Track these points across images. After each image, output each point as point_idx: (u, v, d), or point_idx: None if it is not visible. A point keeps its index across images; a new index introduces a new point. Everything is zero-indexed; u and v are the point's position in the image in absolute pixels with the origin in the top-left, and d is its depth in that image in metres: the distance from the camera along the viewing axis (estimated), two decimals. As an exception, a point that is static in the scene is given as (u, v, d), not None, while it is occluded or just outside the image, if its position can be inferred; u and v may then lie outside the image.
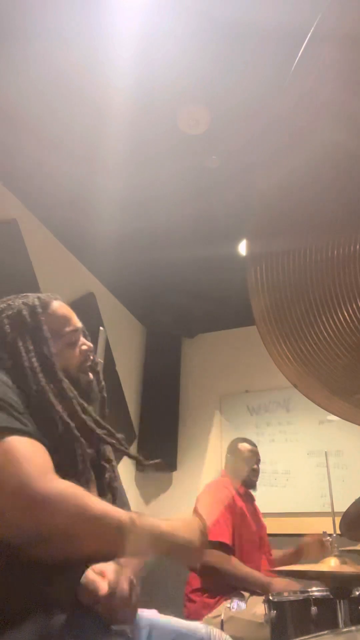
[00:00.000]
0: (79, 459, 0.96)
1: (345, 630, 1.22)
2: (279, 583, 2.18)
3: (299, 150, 0.89)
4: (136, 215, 3.14)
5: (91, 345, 1.15)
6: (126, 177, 2.83)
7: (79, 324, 1.16)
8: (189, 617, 2.35)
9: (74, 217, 3.13)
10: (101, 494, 1.06)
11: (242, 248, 3.24)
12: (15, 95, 2.37)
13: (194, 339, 4.58)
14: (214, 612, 2.24)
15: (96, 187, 2.89)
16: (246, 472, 2.69)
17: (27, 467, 0.78)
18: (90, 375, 1.12)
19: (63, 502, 0.77)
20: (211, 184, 2.93)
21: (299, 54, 0.76)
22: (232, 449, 2.81)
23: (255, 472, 2.70)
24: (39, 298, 1.14)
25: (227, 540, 2.30)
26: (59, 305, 1.15)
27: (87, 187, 2.89)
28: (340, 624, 1.52)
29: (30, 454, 0.81)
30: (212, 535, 2.30)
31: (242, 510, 2.52)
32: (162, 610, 1.11)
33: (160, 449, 3.95)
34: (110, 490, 1.08)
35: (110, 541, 0.82)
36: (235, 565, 2.28)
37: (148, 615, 1.05)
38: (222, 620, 2.17)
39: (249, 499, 2.69)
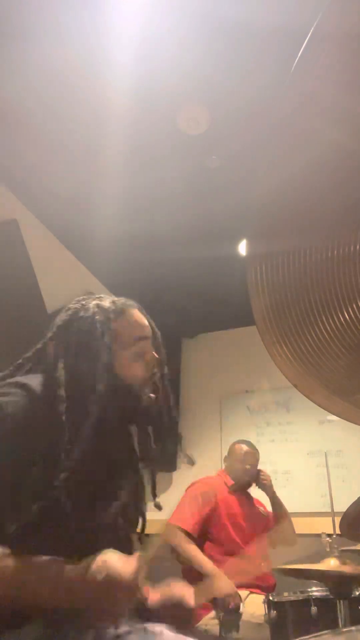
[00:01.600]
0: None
1: (345, 630, 1.21)
2: (221, 581, 2.20)
3: (299, 150, 0.89)
4: (136, 215, 3.14)
5: (161, 358, 1.07)
6: (126, 177, 2.83)
7: (151, 331, 1.08)
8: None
9: (74, 217, 3.13)
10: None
11: (242, 248, 3.24)
12: (15, 96, 2.37)
13: (194, 339, 4.58)
14: (213, 613, 2.24)
15: (96, 187, 2.89)
16: (240, 471, 2.70)
17: None
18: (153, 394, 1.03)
19: None
20: (211, 184, 2.93)
21: (299, 54, 0.76)
22: (230, 449, 2.84)
23: (247, 472, 2.70)
24: (113, 302, 1.07)
25: (185, 526, 2.38)
26: (134, 312, 1.08)
27: (87, 187, 2.89)
28: (340, 624, 1.52)
29: None
30: (173, 519, 2.43)
31: (230, 507, 2.54)
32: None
33: (160, 448, 3.94)
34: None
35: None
36: (185, 546, 2.34)
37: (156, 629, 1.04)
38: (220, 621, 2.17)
39: (244, 498, 2.70)
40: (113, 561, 0.79)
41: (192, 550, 2.35)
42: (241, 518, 2.57)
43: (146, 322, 1.09)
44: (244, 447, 2.77)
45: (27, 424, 0.86)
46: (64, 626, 0.81)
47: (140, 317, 1.08)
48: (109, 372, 0.95)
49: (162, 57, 2.19)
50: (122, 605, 0.80)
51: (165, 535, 2.38)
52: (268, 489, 2.74)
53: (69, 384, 0.93)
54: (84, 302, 1.06)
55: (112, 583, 0.77)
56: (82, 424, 0.90)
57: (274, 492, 2.75)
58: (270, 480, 2.76)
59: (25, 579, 0.78)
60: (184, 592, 1.05)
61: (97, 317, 1.01)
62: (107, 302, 1.06)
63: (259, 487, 2.76)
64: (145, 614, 1.02)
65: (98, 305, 1.04)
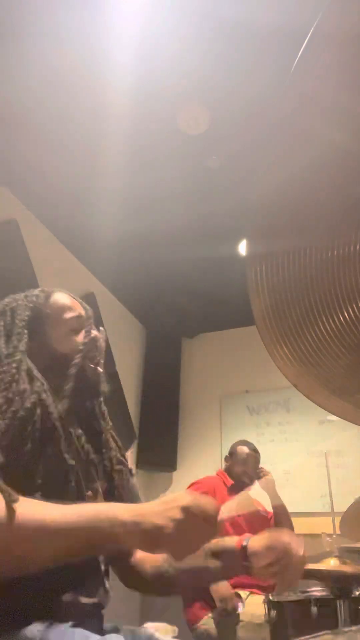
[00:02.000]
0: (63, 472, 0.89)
1: (345, 630, 1.21)
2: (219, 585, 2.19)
3: (299, 150, 0.89)
4: (136, 215, 3.14)
5: (99, 334, 1.11)
6: (126, 177, 2.83)
7: (83, 312, 1.13)
8: (187, 619, 2.35)
9: (74, 217, 3.13)
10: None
11: (242, 248, 3.24)
12: (15, 96, 2.37)
13: (194, 339, 4.58)
14: (212, 614, 2.24)
15: (96, 187, 2.89)
16: (240, 473, 2.70)
17: None
18: (99, 367, 1.07)
19: None
20: (211, 183, 2.93)
21: (299, 54, 0.75)
22: (231, 450, 2.83)
23: (248, 474, 2.71)
24: (42, 290, 1.16)
25: None
26: (60, 295, 1.15)
27: (87, 187, 2.89)
28: (340, 624, 1.52)
29: None
30: None
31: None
32: (160, 611, 1.11)
33: (160, 448, 3.95)
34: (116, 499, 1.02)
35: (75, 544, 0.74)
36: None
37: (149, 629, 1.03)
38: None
39: None
40: (191, 497, 0.78)
41: None
42: (240, 519, 2.56)
43: (74, 301, 1.15)
44: (246, 450, 2.77)
45: None
46: (65, 626, 0.81)
47: (66, 298, 1.15)
48: (43, 347, 1.02)
49: (162, 57, 2.19)
50: (201, 542, 0.78)
51: None
52: (270, 487, 2.74)
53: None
54: (14, 296, 1.15)
55: (193, 516, 0.74)
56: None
57: (275, 493, 2.76)
58: (272, 479, 2.76)
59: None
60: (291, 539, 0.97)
61: (24, 302, 1.10)
62: (36, 291, 1.15)
63: (261, 486, 2.76)
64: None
65: (26, 296, 1.13)
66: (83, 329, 1.10)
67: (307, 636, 0.83)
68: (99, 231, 3.19)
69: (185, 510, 0.74)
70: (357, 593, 1.65)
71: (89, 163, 2.73)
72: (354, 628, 1.05)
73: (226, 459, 2.86)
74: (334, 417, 1.15)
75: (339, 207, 0.95)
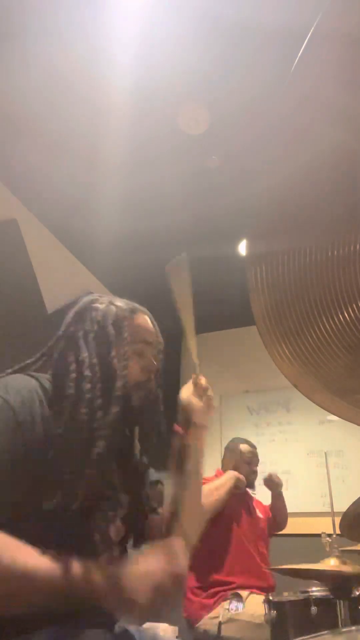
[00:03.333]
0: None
1: (345, 630, 1.21)
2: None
3: (299, 150, 0.89)
4: (136, 215, 3.13)
5: (158, 367, 1.08)
6: (126, 177, 2.83)
7: (156, 340, 1.11)
8: (187, 617, 2.35)
9: (74, 217, 3.13)
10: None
11: (242, 248, 3.24)
12: (15, 96, 2.37)
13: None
14: (212, 613, 2.24)
15: (96, 187, 2.89)
16: (246, 472, 2.69)
17: None
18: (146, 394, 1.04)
19: None
20: (211, 183, 2.93)
21: (299, 54, 0.76)
22: (232, 448, 2.81)
23: (254, 474, 2.71)
24: (127, 303, 1.12)
25: None
26: (144, 318, 1.12)
27: (87, 187, 2.89)
28: (340, 624, 1.52)
29: None
30: None
31: (231, 507, 2.54)
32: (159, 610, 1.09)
33: (160, 449, 3.95)
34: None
35: (47, 596, 0.74)
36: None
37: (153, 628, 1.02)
38: (220, 622, 2.18)
39: (244, 498, 2.70)
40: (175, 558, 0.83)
41: (207, 487, 2.38)
42: (242, 519, 2.56)
43: (153, 329, 1.13)
44: (249, 448, 2.76)
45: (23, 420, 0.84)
46: (74, 632, 0.80)
47: (148, 321, 1.13)
48: (106, 364, 0.97)
49: (162, 57, 2.19)
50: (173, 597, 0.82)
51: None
52: (277, 489, 2.77)
53: (80, 377, 0.93)
54: (97, 297, 1.09)
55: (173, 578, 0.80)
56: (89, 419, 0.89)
57: (280, 492, 2.78)
58: (281, 481, 2.80)
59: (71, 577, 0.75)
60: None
61: (109, 310, 1.05)
62: (119, 302, 1.11)
63: (266, 486, 2.77)
64: None
65: (111, 302, 1.08)
66: (149, 359, 1.07)
67: (307, 636, 0.83)
68: (99, 231, 3.19)
69: (157, 586, 0.78)
70: (357, 593, 1.65)
71: (89, 163, 2.73)
72: (354, 628, 1.05)
73: (226, 458, 2.83)
74: (334, 417, 1.15)
75: (339, 207, 0.95)
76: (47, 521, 0.81)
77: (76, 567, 0.77)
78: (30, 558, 0.75)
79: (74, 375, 0.92)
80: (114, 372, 0.96)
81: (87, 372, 0.93)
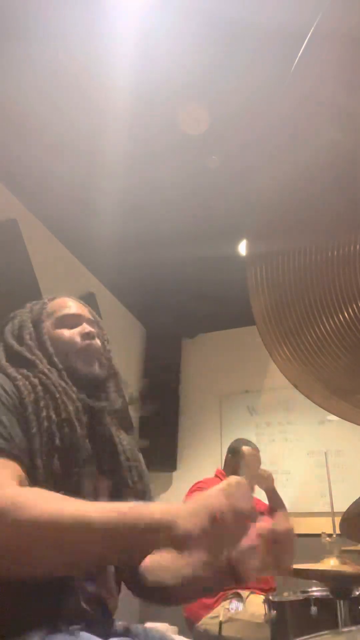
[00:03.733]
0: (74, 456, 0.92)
1: (345, 630, 1.21)
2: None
3: (299, 150, 0.89)
4: (136, 215, 3.14)
5: (93, 330, 1.13)
6: (126, 177, 2.83)
7: (80, 311, 1.16)
8: (187, 618, 2.35)
9: (74, 217, 3.13)
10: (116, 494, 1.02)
11: (242, 248, 3.24)
12: (15, 96, 2.37)
13: (194, 339, 4.57)
14: (213, 613, 2.24)
15: (96, 187, 2.89)
16: (248, 474, 2.69)
17: None
18: (93, 363, 1.09)
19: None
20: (211, 184, 2.93)
21: (299, 54, 0.75)
22: (235, 450, 2.80)
23: (253, 476, 2.71)
24: (46, 298, 1.20)
25: None
26: (60, 298, 1.19)
27: (87, 187, 2.89)
28: (340, 624, 1.52)
29: None
30: None
31: None
32: (159, 610, 1.10)
33: (160, 448, 3.95)
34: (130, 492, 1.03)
35: (105, 542, 0.73)
36: None
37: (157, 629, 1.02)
38: (220, 622, 2.18)
39: None
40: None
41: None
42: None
43: (75, 303, 1.19)
44: (251, 450, 2.76)
45: None
46: (65, 632, 0.80)
47: (67, 299, 1.19)
48: (43, 345, 1.06)
49: (162, 57, 2.19)
50: (240, 532, 0.77)
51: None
52: (268, 485, 2.75)
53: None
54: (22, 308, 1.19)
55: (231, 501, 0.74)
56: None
57: (273, 488, 2.76)
58: (271, 476, 2.76)
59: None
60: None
61: (29, 311, 1.16)
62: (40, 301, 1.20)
63: (259, 486, 2.77)
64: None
65: (33, 303, 1.19)
66: (79, 327, 1.12)
67: (307, 636, 0.83)
68: (99, 231, 3.19)
69: (212, 516, 0.73)
70: (357, 593, 1.65)
71: (90, 163, 2.73)
72: (354, 628, 1.05)
73: (228, 458, 2.83)
74: (334, 417, 1.15)
75: (339, 206, 0.95)
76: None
77: (124, 507, 0.75)
78: (79, 505, 0.74)
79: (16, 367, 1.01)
80: (47, 345, 1.06)
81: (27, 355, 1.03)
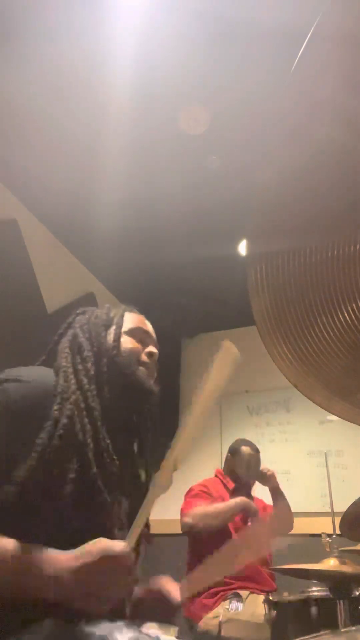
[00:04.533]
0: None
1: (345, 630, 1.21)
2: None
3: (299, 150, 0.89)
4: (136, 215, 3.13)
5: (157, 352, 1.17)
6: (126, 177, 2.83)
7: (152, 332, 1.22)
8: (187, 617, 2.35)
9: (74, 217, 3.13)
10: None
11: (242, 248, 3.24)
12: (16, 95, 2.37)
13: (194, 339, 4.57)
14: (212, 613, 2.24)
15: (96, 187, 2.89)
16: (245, 475, 2.69)
17: None
18: (151, 378, 1.14)
19: None
20: (211, 183, 2.93)
21: (299, 54, 0.75)
22: (234, 450, 2.79)
23: (251, 476, 2.70)
24: (122, 308, 1.24)
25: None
26: (137, 313, 1.24)
27: (87, 187, 2.89)
28: (340, 624, 1.52)
29: None
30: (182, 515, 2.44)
31: None
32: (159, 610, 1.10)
33: (160, 449, 3.95)
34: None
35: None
36: (208, 510, 2.41)
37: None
38: (220, 622, 2.17)
39: (247, 497, 2.69)
40: (106, 541, 0.81)
41: (216, 505, 2.41)
42: (243, 522, 2.56)
43: (144, 321, 1.23)
44: (250, 451, 2.75)
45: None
46: (68, 628, 0.80)
47: (140, 315, 1.23)
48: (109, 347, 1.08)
49: (162, 57, 2.19)
50: (121, 588, 0.81)
51: (184, 526, 2.39)
52: (272, 483, 2.74)
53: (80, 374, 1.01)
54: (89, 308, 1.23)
55: (109, 560, 0.78)
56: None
57: (277, 486, 2.75)
58: (274, 474, 2.76)
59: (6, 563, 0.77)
60: (170, 587, 1.05)
61: (102, 315, 1.17)
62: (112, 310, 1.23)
63: (261, 483, 2.76)
64: (130, 611, 1.00)
65: (111, 306, 1.22)
66: (146, 343, 1.17)
67: (307, 636, 0.83)
68: (99, 231, 3.19)
69: (87, 567, 0.77)
70: (357, 593, 1.65)
71: (89, 163, 2.73)
72: (353, 628, 1.05)
73: (228, 458, 2.83)
74: (334, 417, 1.15)
75: (339, 206, 0.95)
76: (56, 514, 0.85)
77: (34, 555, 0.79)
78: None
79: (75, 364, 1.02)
80: (108, 348, 1.07)
81: (86, 354, 1.04)
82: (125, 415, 1.07)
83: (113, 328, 1.13)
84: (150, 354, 1.15)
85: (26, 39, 2.11)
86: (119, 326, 1.13)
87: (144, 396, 1.10)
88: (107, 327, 1.13)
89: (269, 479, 2.74)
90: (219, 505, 2.43)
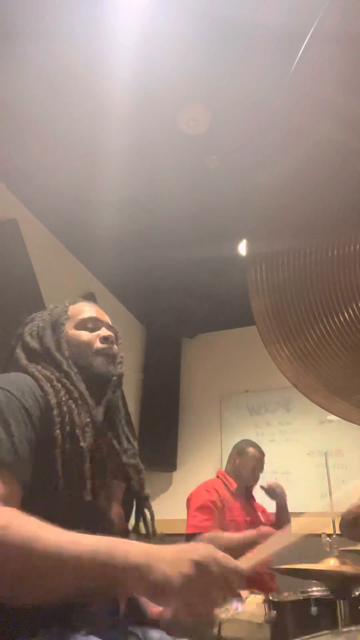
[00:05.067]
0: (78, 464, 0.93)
1: (345, 630, 1.22)
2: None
3: (299, 150, 0.89)
4: (136, 215, 3.14)
5: (112, 334, 1.18)
6: (126, 177, 2.83)
7: (100, 316, 1.21)
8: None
9: (74, 217, 3.13)
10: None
11: (242, 248, 3.24)
12: (16, 95, 2.37)
13: (194, 339, 4.57)
14: (214, 613, 2.24)
15: (96, 187, 2.89)
16: (249, 476, 2.68)
17: None
18: (109, 364, 1.13)
19: None
20: (211, 183, 2.93)
21: (299, 54, 0.75)
22: (241, 450, 2.78)
23: (255, 478, 2.70)
24: (67, 302, 1.26)
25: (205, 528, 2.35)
26: (81, 302, 1.26)
27: (88, 187, 2.89)
28: (340, 624, 1.52)
29: None
30: (190, 529, 2.40)
31: (235, 513, 2.52)
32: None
33: (160, 449, 3.95)
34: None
35: (75, 577, 0.67)
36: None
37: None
38: (220, 621, 2.17)
39: (247, 502, 2.69)
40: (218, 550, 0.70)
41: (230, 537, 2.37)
42: (246, 525, 2.56)
43: (95, 308, 1.25)
44: (256, 453, 2.74)
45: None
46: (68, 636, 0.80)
47: (87, 303, 1.26)
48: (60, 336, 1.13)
49: (162, 57, 2.19)
50: (216, 600, 0.69)
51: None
52: (281, 501, 2.71)
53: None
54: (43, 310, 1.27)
55: (217, 567, 0.68)
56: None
57: (285, 504, 2.72)
58: (284, 492, 2.72)
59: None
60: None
61: (46, 317, 1.21)
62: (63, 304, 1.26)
63: (270, 497, 2.72)
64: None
65: (55, 306, 1.25)
66: (97, 330, 1.17)
67: (307, 636, 0.83)
68: (99, 231, 3.19)
69: (197, 565, 0.67)
70: (357, 593, 1.65)
71: (90, 163, 2.73)
72: (353, 628, 1.05)
73: (232, 458, 2.81)
74: (334, 417, 1.15)
75: (339, 206, 0.95)
76: (56, 504, 0.86)
77: (102, 542, 0.69)
78: (54, 534, 0.68)
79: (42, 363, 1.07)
80: (65, 346, 1.11)
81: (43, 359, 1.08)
82: (96, 402, 1.08)
83: (66, 324, 1.16)
84: (104, 339, 1.15)
85: (26, 39, 2.11)
86: (62, 323, 1.16)
87: (106, 383, 1.11)
88: (54, 327, 1.16)
89: (277, 495, 2.71)
90: (233, 538, 2.37)
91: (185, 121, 2.52)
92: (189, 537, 2.36)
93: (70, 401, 0.98)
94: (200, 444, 4.11)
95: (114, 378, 1.12)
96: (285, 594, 1.83)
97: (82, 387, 1.03)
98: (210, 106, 2.46)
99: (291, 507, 2.81)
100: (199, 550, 0.69)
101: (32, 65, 2.23)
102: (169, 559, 0.67)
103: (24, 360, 1.07)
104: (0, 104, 2.41)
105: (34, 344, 1.12)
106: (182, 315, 4.22)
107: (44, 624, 0.79)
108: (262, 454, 2.76)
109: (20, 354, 1.10)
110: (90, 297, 3.56)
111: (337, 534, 1.92)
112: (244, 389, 4.16)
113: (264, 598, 1.95)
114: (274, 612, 1.80)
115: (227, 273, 3.49)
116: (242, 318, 3.93)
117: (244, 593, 2.28)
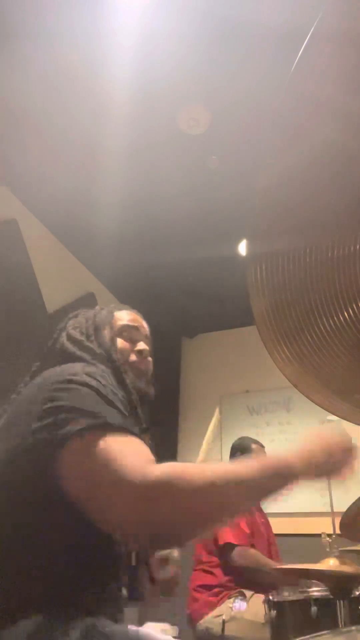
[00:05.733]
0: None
1: (345, 630, 1.22)
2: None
3: (299, 150, 0.89)
4: (136, 215, 3.13)
5: (148, 349, 1.16)
6: (126, 177, 2.83)
7: (141, 326, 1.20)
8: (191, 615, 2.35)
9: (74, 217, 3.13)
10: None
11: (242, 248, 3.24)
12: (16, 96, 2.37)
13: (194, 339, 4.57)
14: (216, 612, 2.24)
15: (96, 187, 2.89)
16: None
17: (124, 461, 0.77)
18: (142, 379, 1.12)
19: (162, 488, 0.76)
20: (211, 183, 2.93)
21: (299, 54, 0.76)
22: (246, 447, 2.76)
23: None
24: (113, 306, 1.24)
25: (240, 542, 2.33)
26: (127, 310, 1.23)
27: (87, 187, 2.89)
28: (340, 624, 1.52)
29: (129, 449, 0.82)
30: (225, 538, 2.34)
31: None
32: (163, 607, 1.11)
33: (160, 448, 3.95)
34: None
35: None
36: (262, 560, 2.34)
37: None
38: (223, 620, 2.18)
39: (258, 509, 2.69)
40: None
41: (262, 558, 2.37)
42: (258, 521, 2.56)
43: (136, 317, 1.22)
44: (260, 449, 2.73)
45: None
46: (59, 620, 0.80)
47: (129, 312, 1.22)
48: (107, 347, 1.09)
49: (162, 57, 2.19)
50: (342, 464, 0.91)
51: (230, 556, 2.33)
52: None
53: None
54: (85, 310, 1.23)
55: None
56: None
57: None
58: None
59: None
60: None
61: (93, 316, 1.17)
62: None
63: None
64: None
65: (101, 307, 1.21)
66: (135, 340, 1.15)
67: (307, 636, 0.83)
68: (99, 231, 3.19)
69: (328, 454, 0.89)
70: (357, 593, 1.65)
71: (89, 163, 2.73)
72: (353, 628, 1.05)
73: (235, 455, 2.80)
74: (334, 417, 1.15)
75: (339, 207, 0.96)
76: None
77: (264, 461, 0.87)
78: (225, 467, 0.86)
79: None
80: (107, 351, 1.07)
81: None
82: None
83: (107, 328, 1.12)
84: (139, 352, 1.12)
85: (26, 39, 2.11)
86: (112, 326, 1.13)
87: (138, 401, 1.08)
88: (102, 327, 1.12)
89: None
90: (270, 562, 2.36)
91: (185, 121, 2.52)
92: (225, 548, 2.35)
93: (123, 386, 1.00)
94: (200, 444, 4.11)
95: (146, 396, 1.10)
96: (285, 594, 1.84)
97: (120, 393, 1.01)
98: (210, 106, 2.46)
99: (291, 507, 2.81)
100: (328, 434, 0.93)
101: (32, 65, 2.23)
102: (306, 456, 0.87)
103: (78, 352, 1.05)
104: (0, 104, 2.41)
105: (82, 338, 1.09)
106: (182, 315, 4.22)
107: (47, 606, 0.79)
108: (264, 450, 2.76)
109: (70, 346, 1.07)
110: (90, 297, 3.57)
111: (337, 534, 1.92)
112: (244, 389, 4.16)
113: (264, 598, 1.95)
114: (274, 612, 1.80)
115: (227, 273, 3.49)
116: (242, 318, 3.93)
117: (247, 592, 2.28)
